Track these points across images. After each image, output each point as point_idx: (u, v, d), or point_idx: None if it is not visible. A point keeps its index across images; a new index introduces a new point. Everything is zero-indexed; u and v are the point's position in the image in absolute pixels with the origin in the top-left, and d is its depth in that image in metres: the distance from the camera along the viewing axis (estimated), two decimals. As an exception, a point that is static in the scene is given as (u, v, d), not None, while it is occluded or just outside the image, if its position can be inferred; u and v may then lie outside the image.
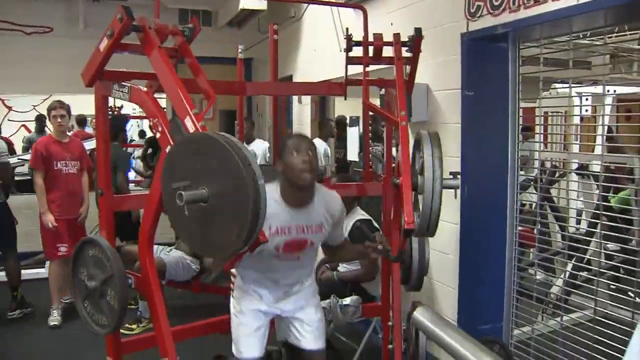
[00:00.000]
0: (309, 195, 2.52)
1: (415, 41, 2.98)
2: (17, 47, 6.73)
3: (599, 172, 3.40)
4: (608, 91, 4.79)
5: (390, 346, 2.99)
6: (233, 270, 2.77)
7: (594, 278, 3.30)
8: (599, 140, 3.77)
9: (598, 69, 5.65)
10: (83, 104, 5.82)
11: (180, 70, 2.75)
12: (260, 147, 6.14)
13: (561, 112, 4.84)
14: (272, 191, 2.40)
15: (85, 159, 4.95)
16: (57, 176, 4.72)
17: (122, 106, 8.00)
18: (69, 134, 5.49)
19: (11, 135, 7.42)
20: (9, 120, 7.81)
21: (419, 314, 0.87)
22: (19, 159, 5.94)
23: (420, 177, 2.52)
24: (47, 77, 6.65)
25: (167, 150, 2.24)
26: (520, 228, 3.48)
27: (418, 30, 2.98)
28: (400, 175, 2.56)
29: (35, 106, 8.71)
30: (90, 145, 5.56)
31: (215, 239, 1.98)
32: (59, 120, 4.75)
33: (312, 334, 2.76)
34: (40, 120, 8.04)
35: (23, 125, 10.26)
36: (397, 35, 3.01)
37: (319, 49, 5.48)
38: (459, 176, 2.61)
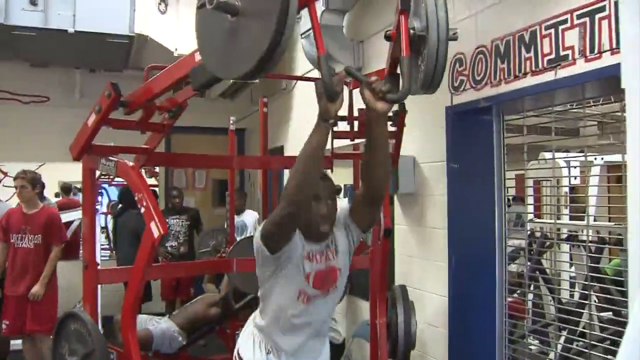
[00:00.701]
0: (330, 232, 2.34)
1: (400, 116, 3.05)
2: (14, 116, 6.82)
3: (587, 241, 3.39)
4: (595, 159, 4.84)
5: None
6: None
7: (586, 351, 3.25)
8: (589, 209, 3.78)
9: (586, 136, 5.72)
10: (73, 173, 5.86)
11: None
12: (250, 219, 6.15)
13: (550, 181, 4.88)
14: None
15: (53, 233, 4.72)
16: (11, 249, 4.63)
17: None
18: (53, 201, 5.47)
19: (8, 200, 7.42)
20: (4, 185, 7.83)
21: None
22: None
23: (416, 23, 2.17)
24: (41, 145, 6.72)
25: (152, 226, 2.25)
26: (510, 299, 3.45)
27: (402, 106, 3.05)
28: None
29: (29, 173, 8.77)
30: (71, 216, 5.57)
31: (239, 52, 1.75)
32: (19, 190, 4.68)
33: None
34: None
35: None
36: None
37: (310, 121, 5.54)
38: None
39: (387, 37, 2.31)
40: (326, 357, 2.52)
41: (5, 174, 10.73)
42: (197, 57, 2.15)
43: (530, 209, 3.95)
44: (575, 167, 4.86)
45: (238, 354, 2.40)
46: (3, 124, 6.74)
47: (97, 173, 3.22)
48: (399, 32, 2.14)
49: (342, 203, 2.51)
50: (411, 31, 2.14)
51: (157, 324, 4.55)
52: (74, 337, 2.58)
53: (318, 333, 2.41)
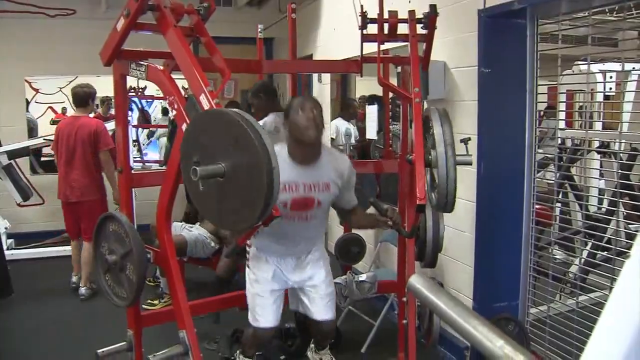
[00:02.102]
0: (316, 152, 2.63)
1: (430, 19, 2.97)
2: (41, 29, 6.82)
3: (619, 150, 3.34)
4: (633, 68, 4.69)
5: (404, 321, 3.02)
6: (248, 241, 2.85)
7: (613, 257, 3.27)
8: (623, 118, 3.70)
9: (624, 45, 5.52)
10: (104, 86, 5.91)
11: (202, 51, 2.79)
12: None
13: (584, 90, 4.76)
14: (280, 149, 2.50)
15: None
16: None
17: (145, 87, 8.07)
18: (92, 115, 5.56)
19: (39, 117, 7.53)
20: (36, 102, 7.93)
21: (414, 281, 0.90)
22: (44, 139, 6.06)
23: (433, 152, 2.55)
24: (71, 58, 6.72)
25: (184, 127, 2.28)
26: (537, 207, 3.47)
27: (433, 8, 2.97)
28: (413, 152, 2.58)
29: (61, 88, 8.83)
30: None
31: (230, 213, 2.02)
32: None
33: (321, 304, 2.87)
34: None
35: (50, 107, 10.41)
36: (412, 13, 3.00)
37: (338, 28, 5.47)
38: (470, 155, 2.69)
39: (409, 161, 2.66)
40: (316, 257, 2.94)
41: (37, 91, 10.85)
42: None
43: (562, 118, 3.89)
44: (611, 77, 4.72)
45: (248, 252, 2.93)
46: (30, 39, 6.76)
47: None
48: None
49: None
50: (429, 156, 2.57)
51: (190, 231, 4.70)
52: (112, 237, 2.68)
53: (303, 247, 2.87)
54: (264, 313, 2.81)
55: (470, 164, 2.71)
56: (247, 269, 2.94)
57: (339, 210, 2.97)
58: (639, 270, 0.70)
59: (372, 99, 6.20)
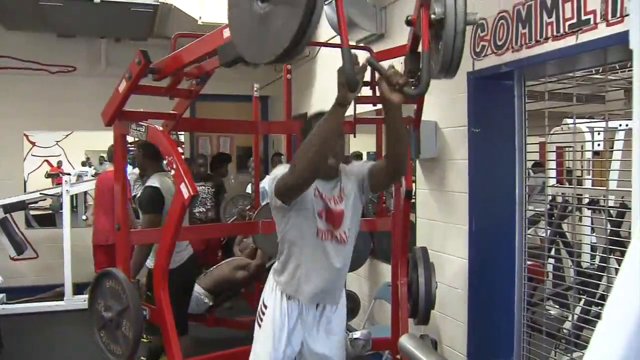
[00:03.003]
0: (337, 169, 2.51)
1: (422, 80, 3.07)
2: (42, 86, 6.98)
3: (608, 206, 3.41)
4: (620, 125, 4.81)
5: (399, 379, 3.01)
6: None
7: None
8: (611, 175, 3.79)
9: (610, 103, 5.66)
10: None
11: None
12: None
13: (572, 147, 4.87)
14: None
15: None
16: None
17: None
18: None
19: (34, 170, 7.60)
20: (32, 155, 8.01)
21: (405, 341, 0.93)
22: (41, 193, 6.10)
23: (438, 8, 2.26)
24: (69, 114, 6.86)
25: (182, 187, 2.35)
26: (529, 262, 3.50)
27: (424, 71, 3.07)
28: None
29: (58, 142, 8.95)
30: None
31: (270, 36, 1.85)
32: None
33: None
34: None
35: (46, 161, 10.51)
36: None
37: (333, 87, 5.59)
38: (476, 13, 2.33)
39: (408, 22, 2.40)
40: (342, 308, 2.69)
41: (34, 144, 10.97)
42: (226, 33, 2.22)
43: (552, 174, 3.97)
44: (598, 134, 4.84)
45: (263, 302, 2.59)
46: (31, 94, 6.91)
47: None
48: (420, 18, 2.21)
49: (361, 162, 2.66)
50: (431, 16, 2.24)
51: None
52: (109, 294, 2.71)
53: (334, 284, 2.56)
54: None
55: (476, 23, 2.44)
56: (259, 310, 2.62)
57: (378, 178, 2.54)
58: (639, 271, 0.74)
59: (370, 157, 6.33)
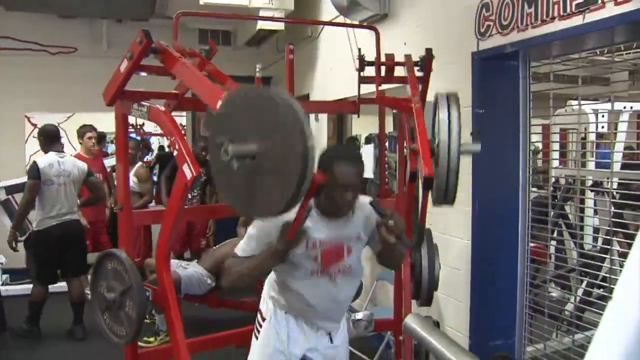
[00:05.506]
0: (348, 210, 2.34)
1: (426, 61, 3.05)
2: (42, 67, 6.95)
3: (612, 189, 3.39)
4: (625, 107, 4.78)
5: (401, 360, 3.02)
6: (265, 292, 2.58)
7: (608, 295, 3.30)
8: (615, 157, 3.76)
9: (615, 85, 5.63)
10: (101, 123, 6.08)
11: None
12: None
13: (577, 129, 4.84)
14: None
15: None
16: None
17: (143, 124, 8.16)
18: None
19: (36, 152, 7.58)
20: (34, 137, 7.99)
21: (410, 321, 0.92)
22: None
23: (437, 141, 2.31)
24: (70, 95, 6.83)
25: (184, 168, 2.33)
26: (532, 244, 3.50)
27: (429, 51, 3.05)
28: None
29: (59, 124, 8.95)
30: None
31: (258, 199, 1.86)
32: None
33: None
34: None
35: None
36: (408, 56, 3.08)
37: (335, 68, 5.58)
38: (478, 143, 2.44)
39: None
40: (343, 333, 2.66)
41: (35, 126, 10.96)
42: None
43: (555, 156, 3.95)
44: (603, 116, 4.81)
45: (260, 314, 2.52)
46: (32, 76, 6.87)
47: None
48: None
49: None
50: None
51: (185, 268, 4.72)
52: (111, 275, 2.70)
53: (333, 312, 2.48)
54: None
55: (478, 154, 2.43)
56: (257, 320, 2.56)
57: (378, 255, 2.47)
58: (638, 271, 0.73)
59: (367, 139, 6.30)
